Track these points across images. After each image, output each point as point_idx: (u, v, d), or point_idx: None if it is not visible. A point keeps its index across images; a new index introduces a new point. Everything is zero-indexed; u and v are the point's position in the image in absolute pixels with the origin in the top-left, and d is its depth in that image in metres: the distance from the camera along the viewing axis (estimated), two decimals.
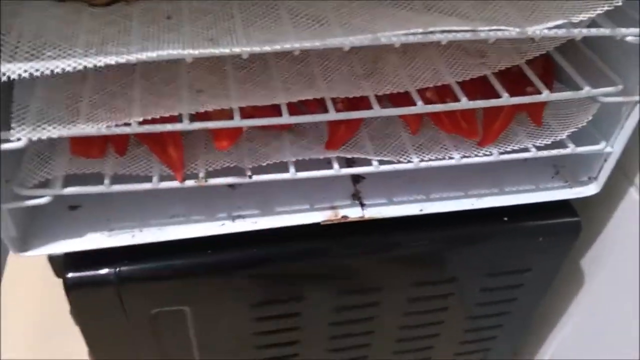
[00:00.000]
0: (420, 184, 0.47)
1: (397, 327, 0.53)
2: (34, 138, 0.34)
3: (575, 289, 0.57)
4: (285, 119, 0.39)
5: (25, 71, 0.32)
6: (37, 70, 0.32)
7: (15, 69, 0.32)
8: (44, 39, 0.34)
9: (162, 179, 0.40)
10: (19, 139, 0.34)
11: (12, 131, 0.34)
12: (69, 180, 0.39)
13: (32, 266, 0.66)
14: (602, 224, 0.52)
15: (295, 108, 0.40)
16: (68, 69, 0.32)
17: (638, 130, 0.45)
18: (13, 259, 0.70)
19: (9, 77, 0.32)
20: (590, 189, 0.48)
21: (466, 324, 0.55)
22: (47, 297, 0.66)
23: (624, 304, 0.51)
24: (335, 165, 0.42)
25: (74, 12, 0.37)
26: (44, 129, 0.35)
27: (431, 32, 0.36)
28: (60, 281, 0.42)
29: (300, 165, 0.42)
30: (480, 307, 0.54)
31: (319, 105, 0.41)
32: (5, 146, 0.34)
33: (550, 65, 0.48)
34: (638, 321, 0.49)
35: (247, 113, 0.39)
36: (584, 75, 0.44)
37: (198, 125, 0.37)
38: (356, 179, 0.47)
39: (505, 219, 0.47)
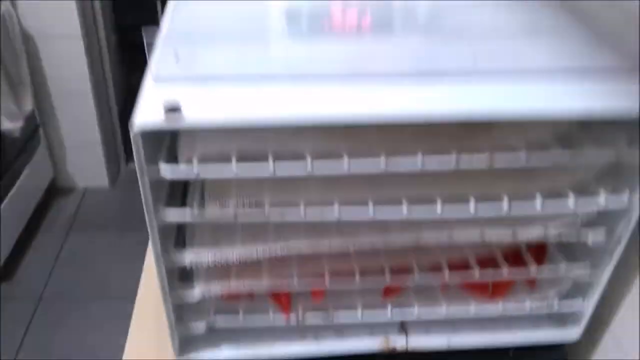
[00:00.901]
0: (449, 324, 0.66)
1: None
2: (206, 295, 0.56)
3: None
4: (357, 282, 0.59)
5: (210, 259, 0.54)
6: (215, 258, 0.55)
7: (200, 257, 0.54)
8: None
9: (275, 314, 0.61)
10: (197, 295, 0.56)
11: (194, 290, 0.56)
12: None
13: None
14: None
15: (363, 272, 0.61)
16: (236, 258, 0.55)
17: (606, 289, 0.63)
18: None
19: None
20: (573, 333, 0.65)
21: None
22: None
23: None
24: (389, 310, 0.62)
25: None
26: (211, 288, 0.57)
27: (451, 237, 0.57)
28: None
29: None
30: None
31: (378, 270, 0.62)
32: (188, 299, 0.56)
33: (545, 247, 0.67)
34: None
35: (333, 275, 0.60)
36: (567, 254, 0.63)
37: (302, 286, 0.58)
38: None
39: (511, 352, 0.66)
